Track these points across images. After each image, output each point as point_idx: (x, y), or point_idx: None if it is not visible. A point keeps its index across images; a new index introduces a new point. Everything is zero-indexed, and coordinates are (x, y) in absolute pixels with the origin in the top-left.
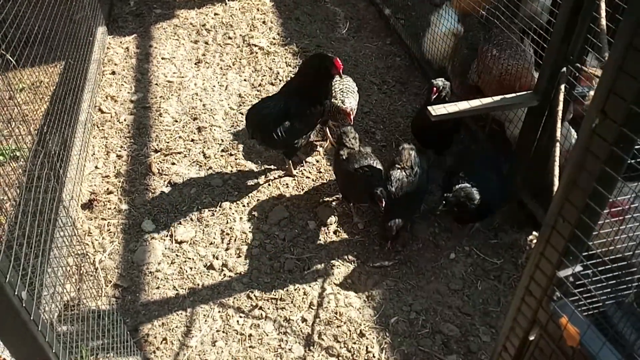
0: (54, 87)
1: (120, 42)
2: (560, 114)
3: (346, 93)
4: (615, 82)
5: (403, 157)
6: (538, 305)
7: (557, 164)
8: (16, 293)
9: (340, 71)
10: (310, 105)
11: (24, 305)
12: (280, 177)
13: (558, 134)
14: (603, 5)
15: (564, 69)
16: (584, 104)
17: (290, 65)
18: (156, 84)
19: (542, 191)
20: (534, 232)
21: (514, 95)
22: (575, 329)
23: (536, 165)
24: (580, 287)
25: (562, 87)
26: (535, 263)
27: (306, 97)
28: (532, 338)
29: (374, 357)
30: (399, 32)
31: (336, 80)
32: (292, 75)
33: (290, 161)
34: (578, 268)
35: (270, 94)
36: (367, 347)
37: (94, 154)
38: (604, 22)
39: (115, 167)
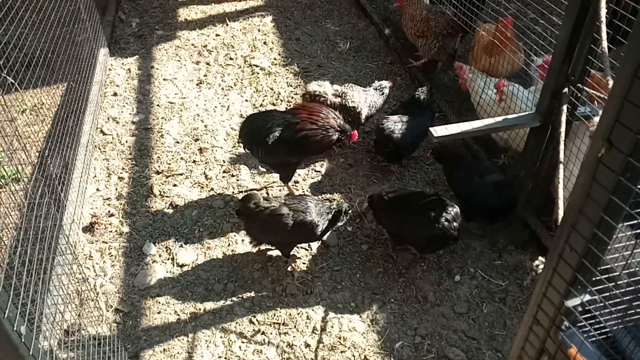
0: (56, 109)
1: (122, 64)
2: (562, 134)
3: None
4: (620, 111)
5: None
6: (546, 335)
7: (561, 186)
8: (15, 328)
9: (351, 142)
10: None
11: (22, 340)
12: None
13: (561, 155)
14: (604, 27)
15: (566, 89)
16: (589, 126)
17: (291, 86)
18: (158, 105)
19: (545, 211)
20: (540, 257)
21: (515, 115)
22: (585, 359)
23: (539, 186)
24: (588, 314)
25: (564, 107)
26: (543, 292)
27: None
28: None
29: None
30: (399, 51)
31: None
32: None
33: (288, 184)
34: (586, 297)
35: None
36: None
37: (95, 176)
38: (605, 44)
39: (116, 189)
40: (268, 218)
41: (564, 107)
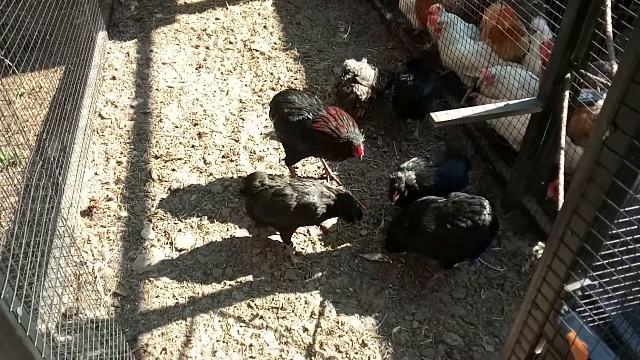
0: (54, 93)
1: (121, 47)
2: (564, 120)
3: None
4: (626, 93)
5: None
6: (545, 319)
7: (562, 172)
8: (11, 309)
9: (360, 157)
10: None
11: (19, 321)
12: None
13: (563, 141)
14: (609, 12)
15: (568, 75)
16: (592, 112)
17: (291, 70)
18: (157, 89)
19: (545, 198)
20: (540, 242)
21: (517, 101)
22: (584, 344)
23: (540, 172)
24: (587, 299)
25: (567, 93)
26: (543, 276)
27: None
28: (538, 352)
29: None
30: (401, 36)
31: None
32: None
33: (292, 167)
34: (587, 282)
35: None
36: (369, 357)
37: (93, 160)
38: (610, 28)
39: (115, 173)
40: (272, 197)
41: (567, 93)
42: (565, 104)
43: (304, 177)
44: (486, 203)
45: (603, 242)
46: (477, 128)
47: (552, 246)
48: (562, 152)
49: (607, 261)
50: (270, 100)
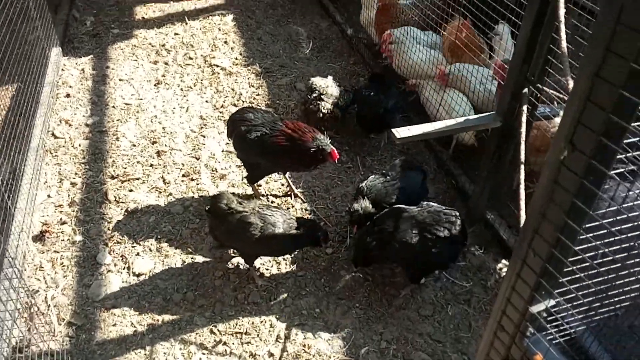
0: (5, 112)
1: (76, 64)
2: (523, 135)
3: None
4: (583, 112)
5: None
6: (511, 341)
7: (522, 186)
8: None
9: (336, 160)
10: (286, 157)
11: None
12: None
13: (522, 156)
14: (562, 27)
15: (526, 89)
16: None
17: (253, 86)
18: (113, 107)
19: (507, 210)
20: (504, 257)
21: (476, 116)
22: None
23: (501, 186)
24: (552, 318)
25: (525, 108)
26: (507, 297)
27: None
28: None
29: None
30: (362, 52)
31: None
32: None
33: (254, 185)
34: (551, 302)
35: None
36: None
37: (46, 182)
38: (564, 44)
39: (69, 195)
40: (236, 223)
41: (524, 108)
42: (524, 118)
43: (273, 205)
44: (457, 213)
45: (565, 263)
46: (439, 142)
47: (515, 267)
48: (522, 167)
49: (568, 279)
50: (227, 120)
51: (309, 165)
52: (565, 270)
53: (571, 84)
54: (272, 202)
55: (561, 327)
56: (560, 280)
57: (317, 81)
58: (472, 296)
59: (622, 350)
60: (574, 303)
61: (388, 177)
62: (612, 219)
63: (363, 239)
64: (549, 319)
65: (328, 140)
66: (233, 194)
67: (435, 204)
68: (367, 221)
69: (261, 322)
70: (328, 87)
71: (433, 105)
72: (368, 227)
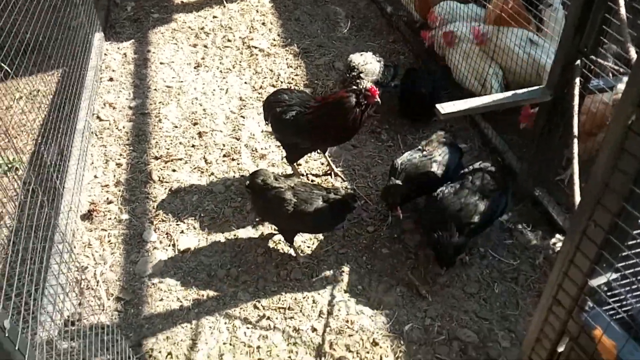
0: (51, 96)
1: (118, 48)
2: (576, 108)
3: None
4: None
5: (431, 144)
6: (568, 316)
7: (576, 161)
8: None
9: (377, 99)
10: (325, 128)
11: (7, 335)
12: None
13: (575, 130)
14: None
15: (578, 61)
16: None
17: (291, 67)
18: (155, 90)
19: (556, 188)
20: (554, 234)
21: (525, 90)
22: (612, 342)
23: (551, 161)
24: (613, 294)
25: (577, 80)
26: (564, 271)
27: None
28: (561, 349)
29: None
30: (402, 30)
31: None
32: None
33: (294, 164)
34: (613, 275)
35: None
36: (381, 357)
37: (92, 162)
38: (623, 11)
39: (114, 175)
40: (271, 198)
41: (577, 80)
42: (577, 91)
43: (312, 183)
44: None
45: (630, 233)
46: (484, 119)
47: (574, 240)
48: (575, 140)
49: (632, 251)
50: (263, 103)
51: (356, 125)
52: (629, 242)
53: (632, 52)
54: (312, 181)
55: (622, 303)
56: (624, 253)
57: (356, 58)
58: (519, 274)
59: None
60: (635, 276)
61: (425, 152)
62: None
63: (444, 244)
64: (609, 293)
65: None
66: (273, 173)
67: (469, 168)
68: (403, 200)
69: (303, 298)
70: (367, 64)
71: (462, 73)
72: (439, 232)
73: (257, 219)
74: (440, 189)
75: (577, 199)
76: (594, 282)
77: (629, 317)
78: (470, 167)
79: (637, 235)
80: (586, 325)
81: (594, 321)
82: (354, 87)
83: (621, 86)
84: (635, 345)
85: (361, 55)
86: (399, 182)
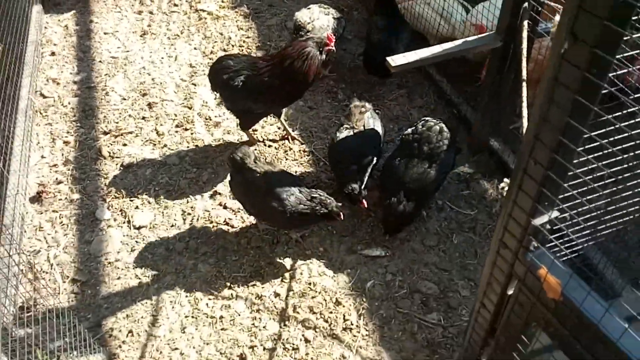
0: None
1: (59, 20)
2: (524, 52)
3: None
4: None
5: (352, 117)
6: (514, 258)
7: (525, 104)
8: None
9: (333, 46)
10: (280, 86)
11: None
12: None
13: (524, 73)
14: None
15: (526, 4)
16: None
17: (242, 29)
18: (100, 62)
19: (511, 136)
20: (506, 180)
21: (475, 37)
22: (556, 279)
23: (504, 109)
24: (557, 233)
25: (525, 24)
26: (508, 212)
27: (283, 78)
28: (510, 292)
29: (352, 324)
30: None
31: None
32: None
33: (248, 131)
34: (554, 213)
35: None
36: (344, 315)
37: (38, 142)
38: None
39: (62, 154)
40: (242, 181)
41: (525, 23)
42: (525, 34)
43: (291, 173)
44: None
45: (569, 169)
46: (438, 72)
47: (516, 179)
48: (524, 84)
49: (575, 191)
50: (208, 73)
51: (310, 79)
52: (569, 179)
53: None
54: (269, 146)
55: (567, 241)
56: (564, 191)
57: (301, 16)
58: (477, 224)
59: (631, 265)
60: (581, 216)
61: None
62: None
63: (392, 210)
64: (554, 234)
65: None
66: (255, 153)
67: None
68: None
69: (265, 264)
70: (315, 20)
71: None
72: (390, 198)
73: (214, 189)
74: (392, 157)
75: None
76: (537, 221)
77: (572, 253)
78: (416, 128)
79: (575, 170)
80: (532, 266)
81: (539, 261)
82: (311, 39)
83: (557, 18)
84: (579, 280)
85: (308, 9)
86: (356, 186)
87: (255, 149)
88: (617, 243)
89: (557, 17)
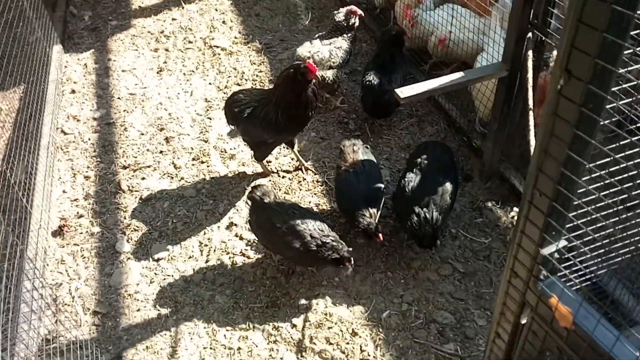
0: (14, 114)
1: (78, 59)
2: (530, 81)
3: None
4: (576, 35)
5: (347, 157)
6: (525, 287)
7: (532, 133)
8: None
9: (316, 74)
10: (281, 114)
11: None
12: (256, 178)
13: (530, 102)
14: None
15: (530, 34)
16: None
17: (255, 63)
18: (118, 98)
19: (522, 162)
20: (516, 208)
21: (481, 67)
22: (567, 308)
23: (514, 137)
24: (567, 262)
25: (530, 53)
26: (517, 242)
27: (281, 106)
28: (524, 322)
29: (368, 355)
30: (363, 17)
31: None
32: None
33: (262, 163)
34: (562, 243)
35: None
36: (360, 346)
37: (60, 177)
38: None
39: (83, 189)
40: (261, 220)
41: (530, 53)
42: (530, 64)
43: (312, 211)
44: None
45: (573, 199)
46: (448, 100)
47: (523, 210)
48: (531, 113)
49: (581, 220)
50: (223, 107)
51: (303, 101)
52: (575, 208)
53: None
54: (283, 177)
55: (577, 269)
56: (570, 219)
57: (302, 51)
58: (491, 252)
59: None
60: (588, 243)
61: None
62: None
63: (424, 225)
64: (564, 262)
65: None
66: (275, 192)
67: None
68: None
69: (282, 295)
70: (314, 53)
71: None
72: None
73: (230, 220)
74: (404, 180)
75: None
76: (545, 251)
77: (585, 285)
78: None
79: (579, 200)
80: (543, 295)
81: (550, 290)
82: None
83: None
84: (589, 308)
85: (311, 44)
86: (371, 221)
87: (270, 180)
88: (633, 269)
89: (555, 52)
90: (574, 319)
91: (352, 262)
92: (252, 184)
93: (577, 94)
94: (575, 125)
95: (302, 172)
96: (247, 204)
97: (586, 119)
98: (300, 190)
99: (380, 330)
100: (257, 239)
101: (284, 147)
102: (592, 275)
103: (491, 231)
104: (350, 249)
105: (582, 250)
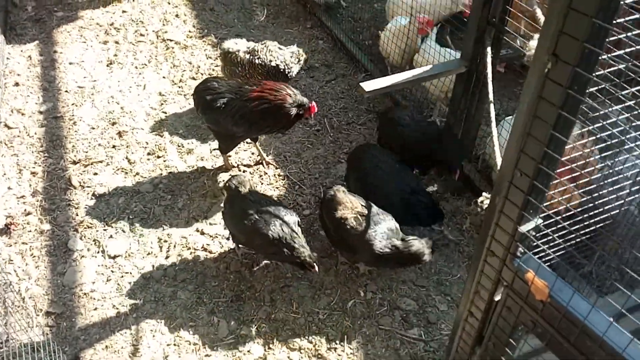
0: None
1: (21, 51)
2: (490, 75)
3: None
4: (564, 21)
5: (346, 212)
6: (502, 265)
7: (494, 124)
8: None
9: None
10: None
11: None
12: (216, 173)
13: (491, 95)
14: None
15: (488, 32)
16: None
17: (210, 57)
18: (66, 91)
19: (476, 156)
20: (485, 194)
21: (442, 63)
22: (543, 282)
23: (470, 132)
24: (542, 238)
25: (488, 50)
26: (495, 222)
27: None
28: (497, 298)
29: (336, 344)
30: (318, 15)
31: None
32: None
33: (226, 155)
34: (539, 220)
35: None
36: (327, 335)
37: (4, 174)
38: None
39: (30, 185)
40: (233, 206)
41: (488, 50)
42: (489, 60)
43: (287, 207)
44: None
45: (552, 177)
46: (404, 97)
47: (502, 191)
48: (492, 105)
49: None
50: (192, 93)
51: (289, 126)
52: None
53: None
54: (244, 171)
55: (554, 245)
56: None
57: (230, 44)
58: (449, 241)
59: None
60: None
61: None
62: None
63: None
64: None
65: (299, 94)
66: (251, 182)
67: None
68: None
69: (246, 288)
70: (241, 49)
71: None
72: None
73: (191, 215)
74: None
75: (499, 158)
76: (524, 228)
77: (559, 257)
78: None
79: (559, 179)
80: (519, 271)
81: (526, 265)
82: (294, 95)
83: (533, 43)
84: (564, 282)
85: (236, 43)
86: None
87: (230, 174)
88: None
89: (532, 42)
90: (550, 292)
91: (316, 268)
92: (215, 178)
93: (563, 77)
94: (561, 106)
95: (264, 166)
96: (223, 193)
97: (571, 100)
98: (262, 184)
99: (347, 319)
100: (226, 229)
101: (244, 142)
102: (565, 249)
103: (448, 221)
104: (315, 254)
105: (560, 225)
